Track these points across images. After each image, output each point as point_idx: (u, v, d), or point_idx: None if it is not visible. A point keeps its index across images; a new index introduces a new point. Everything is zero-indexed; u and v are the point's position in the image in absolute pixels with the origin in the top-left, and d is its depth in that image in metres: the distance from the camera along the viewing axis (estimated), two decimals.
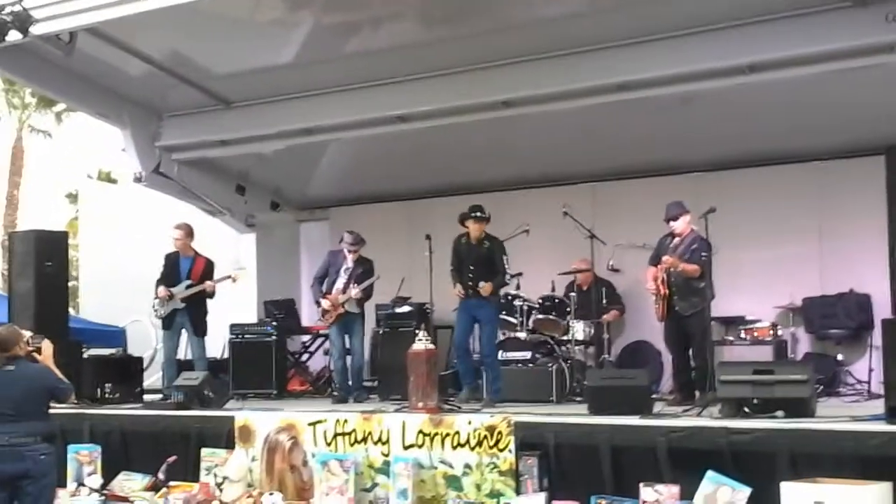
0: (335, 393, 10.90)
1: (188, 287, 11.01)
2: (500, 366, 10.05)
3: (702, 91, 9.98)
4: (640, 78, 9.98)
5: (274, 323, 12.09)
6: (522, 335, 10.72)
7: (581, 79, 10.19)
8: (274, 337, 11.80)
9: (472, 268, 9.81)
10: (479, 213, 9.90)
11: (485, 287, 9.67)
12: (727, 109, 10.52)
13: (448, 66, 10.72)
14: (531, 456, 7.41)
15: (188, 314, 11.05)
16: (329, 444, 8.29)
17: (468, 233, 9.94)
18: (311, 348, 13.02)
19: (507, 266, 9.90)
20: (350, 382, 10.79)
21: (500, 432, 7.56)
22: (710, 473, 6.66)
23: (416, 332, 9.02)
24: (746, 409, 7.39)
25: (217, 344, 12.68)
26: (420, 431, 7.92)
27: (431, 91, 10.93)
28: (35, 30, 9.56)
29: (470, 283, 9.78)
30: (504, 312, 10.80)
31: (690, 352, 9.30)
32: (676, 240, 9.45)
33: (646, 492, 6.82)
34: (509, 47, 10.31)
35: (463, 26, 10.14)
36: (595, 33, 9.94)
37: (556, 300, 10.91)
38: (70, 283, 15.49)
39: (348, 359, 10.85)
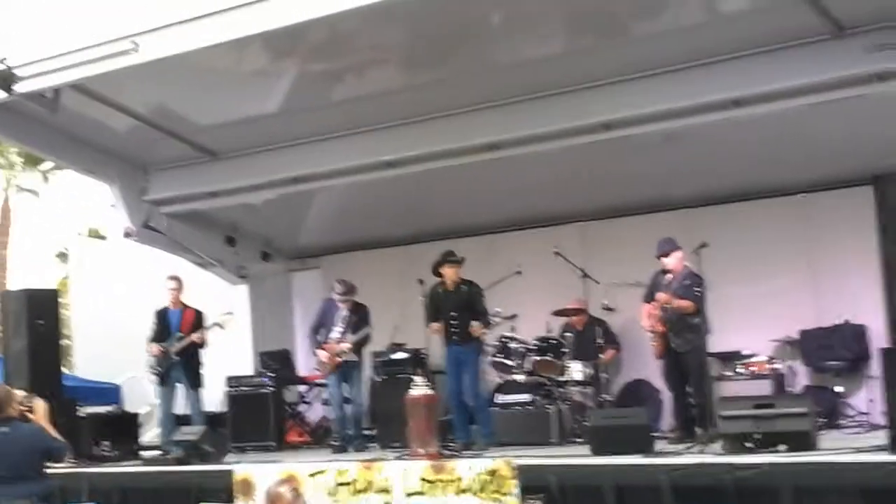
0: (334, 442, 10.84)
1: (179, 340, 10.97)
2: (494, 408, 10.04)
3: (687, 127, 9.98)
4: (625, 116, 9.98)
5: (270, 374, 12.04)
6: (520, 377, 10.67)
7: (566, 119, 10.18)
8: (271, 388, 11.74)
9: (453, 314, 9.83)
10: (453, 258, 9.95)
11: (475, 327, 9.66)
12: (714, 145, 10.57)
13: (433, 110, 10.73)
14: (535, 499, 7.36)
15: (183, 368, 11.02)
16: (331, 495, 8.21)
17: (443, 281, 9.97)
18: (309, 398, 12.97)
19: (486, 307, 9.91)
20: (350, 431, 10.74)
21: (502, 476, 7.49)
22: None
23: (413, 378, 8.99)
24: (748, 444, 7.38)
25: (214, 397, 12.62)
26: (422, 478, 7.84)
27: (418, 136, 10.93)
28: (18, 88, 9.58)
29: (454, 330, 9.79)
30: (500, 355, 10.79)
31: (689, 388, 9.29)
32: (669, 276, 9.46)
33: None
34: (493, 90, 10.35)
35: (446, 70, 10.20)
36: (578, 73, 9.96)
37: (553, 341, 10.90)
38: (63, 342, 15.45)
39: (347, 408, 10.80)
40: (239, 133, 11.75)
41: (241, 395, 11.83)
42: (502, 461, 7.64)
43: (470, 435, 9.80)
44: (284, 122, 11.35)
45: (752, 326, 10.92)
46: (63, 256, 19.64)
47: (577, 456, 8.17)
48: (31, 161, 32.20)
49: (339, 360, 10.63)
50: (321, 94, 10.89)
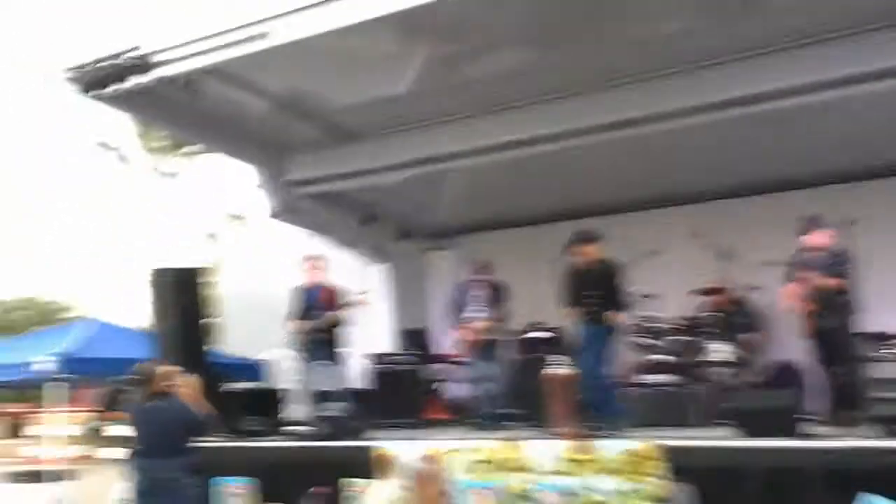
0: (474, 420, 10.86)
1: (318, 317, 11.13)
2: (637, 390, 9.92)
3: (837, 99, 9.63)
4: (770, 89, 9.71)
5: (409, 352, 12.13)
6: (659, 358, 10.52)
7: (707, 94, 9.98)
8: (410, 366, 11.83)
9: (591, 293, 9.64)
10: (590, 235, 9.79)
11: (610, 315, 9.51)
12: (865, 118, 10.20)
13: (569, 87, 10.64)
14: (680, 481, 7.26)
15: (323, 344, 11.16)
16: (471, 473, 8.26)
17: (579, 260, 9.82)
18: (448, 376, 13.02)
19: (623, 286, 9.75)
20: (489, 409, 10.74)
21: (646, 457, 7.44)
22: (863, 496, 6.43)
23: (553, 356, 8.92)
24: None
25: (354, 374, 12.80)
26: (562, 458, 7.84)
27: (554, 114, 10.85)
28: (157, 74, 9.87)
29: (593, 310, 9.65)
30: (640, 335, 10.66)
31: (838, 369, 9.01)
32: (815, 254, 9.18)
33: None
34: (631, 65, 10.21)
35: (581, 47, 10.05)
36: (719, 46, 9.76)
37: (694, 321, 10.70)
38: (211, 320, 15.86)
39: (486, 386, 10.81)
40: (374, 114, 11.82)
41: (384, 371, 11.94)
42: (647, 442, 7.56)
43: (607, 415, 9.66)
44: (420, 102, 11.36)
45: None
46: (212, 237, 20.17)
47: (724, 438, 7.97)
48: (178, 145, 33.26)
49: (477, 338, 10.63)
50: (456, 74, 10.83)
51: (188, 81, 10.47)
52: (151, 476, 7.06)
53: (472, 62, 10.59)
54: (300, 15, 9.07)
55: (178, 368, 7.82)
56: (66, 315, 39.05)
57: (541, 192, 12.90)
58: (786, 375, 10.93)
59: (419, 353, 12.26)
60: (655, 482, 7.33)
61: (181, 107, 11.21)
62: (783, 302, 9.25)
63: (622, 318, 9.61)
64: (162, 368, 7.51)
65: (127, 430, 7.90)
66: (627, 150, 11.29)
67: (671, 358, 10.57)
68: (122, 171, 34.87)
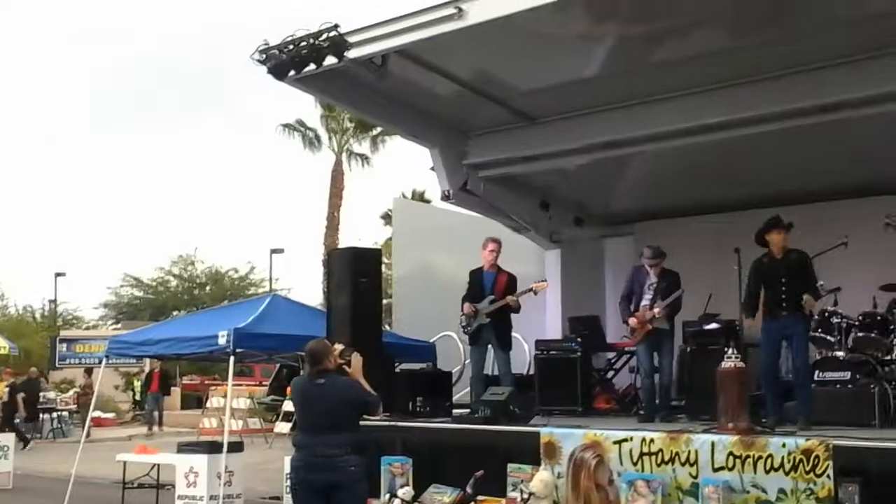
0: (641, 411, 10.69)
1: (492, 302, 11.16)
2: (814, 386, 9.53)
3: None
4: None
5: (579, 339, 12.02)
6: (841, 354, 10.09)
7: None
8: (579, 353, 11.71)
9: (783, 282, 9.32)
10: (781, 224, 9.46)
11: (808, 300, 9.16)
12: None
13: (759, 71, 10.36)
14: (852, 483, 6.95)
15: (493, 329, 11.20)
16: (635, 464, 8.14)
17: (769, 250, 9.49)
18: (617, 365, 12.87)
19: (816, 276, 9.40)
20: (657, 401, 10.56)
21: (817, 456, 7.15)
22: None
23: (726, 350, 8.67)
24: None
25: (523, 360, 12.79)
26: (730, 453, 7.63)
27: (740, 98, 10.58)
28: (349, 54, 10.02)
29: (783, 299, 9.30)
30: (821, 330, 10.25)
31: None
32: None
33: None
34: (827, 48, 9.82)
35: (776, 29, 9.71)
36: None
37: (879, 317, 10.22)
38: (385, 301, 16.11)
39: (655, 377, 10.62)
40: (557, 97, 11.77)
41: (550, 358, 11.87)
42: (817, 441, 7.29)
43: (782, 412, 9.33)
44: (602, 85, 11.25)
45: None
46: (388, 218, 20.51)
47: None
48: (363, 127, 33.97)
49: (649, 327, 10.44)
50: (640, 57, 10.69)
51: (381, 62, 10.61)
52: (312, 452, 7.18)
53: (661, 45, 10.43)
54: None
55: (344, 347, 7.90)
56: (256, 291, 40.55)
57: (721, 180, 12.60)
58: None
59: (586, 340, 12.10)
60: (825, 482, 7.03)
61: (368, 88, 11.40)
62: None
63: (813, 304, 9.20)
64: (329, 346, 7.60)
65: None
66: (816, 138, 10.89)
67: (855, 355, 10.09)
68: (308, 152, 35.78)
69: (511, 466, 8.83)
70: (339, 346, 7.79)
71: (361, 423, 7.76)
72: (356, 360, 7.65)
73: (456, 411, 11.17)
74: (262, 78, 10.25)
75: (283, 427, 20.14)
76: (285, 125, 35.80)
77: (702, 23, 9.93)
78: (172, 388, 30.19)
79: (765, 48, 9.99)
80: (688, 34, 10.13)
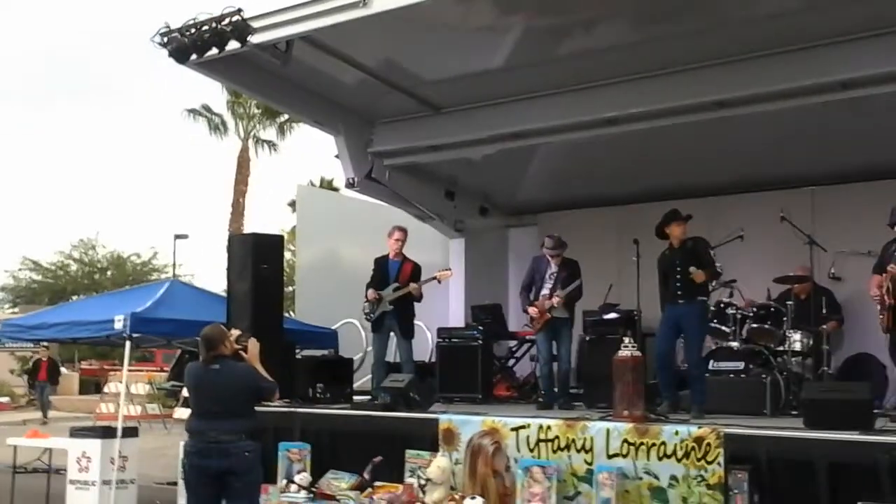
0: (540, 399, 10.79)
1: (396, 290, 11.17)
2: (708, 376, 9.73)
3: None
4: (865, 75, 9.45)
5: (481, 327, 12.09)
6: (735, 345, 10.31)
7: (799, 77, 9.73)
8: (480, 341, 11.77)
9: (678, 270, 9.49)
10: (679, 216, 9.66)
11: (695, 272, 9.31)
12: None
13: (660, 66, 10.47)
14: (742, 470, 7.10)
15: (396, 317, 11.20)
16: (532, 451, 8.21)
17: (669, 243, 9.67)
18: (518, 354, 12.98)
19: (713, 260, 9.56)
20: (556, 389, 10.67)
21: (708, 444, 7.29)
22: None
23: (623, 339, 8.80)
24: None
25: (426, 347, 12.82)
26: (625, 440, 7.74)
27: (643, 92, 10.69)
28: (253, 39, 9.90)
29: (678, 286, 9.48)
30: (716, 321, 10.46)
31: None
32: None
33: None
34: (725, 46, 9.98)
35: (677, 25, 9.86)
36: (815, 29, 9.48)
37: (772, 309, 10.46)
38: (289, 288, 16.00)
39: (554, 365, 10.73)
40: (463, 87, 11.76)
41: (451, 346, 11.91)
42: (709, 429, 7.43)
43: (678, 400, 9.50)
44: (508, 76, 11.28)
45: None
46: (294, 206, 20.40)
47: (790, 428, 7.76)
48: (269, 114, 33.67)
49: (548, 316, 10.55)
50: (546, 49, 10.74)
51: (285, 48, 10.50)
52: (205, 438, 7.11)
53: (567, 37, 10.49)
54: None
55: (241, 332, 7.84)
56: (159, 276, 39.96)
57: (625, 173, 12.73)
58: (863, 368, 10.63)
59: (488, 328, 12.19)
60: (716, 469, 7.18)
61: (273, 73, 11.28)
62: (871, 292, 8.95)
63: (702, 277, 9.33)
64: (225, 331, 7.52)
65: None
66: (716, 133, 11.07)
67: (748, 346, 10.32)
68: (215, 138, 35.37)
69: (409, 453, 8.85)
70: (235, 332, 7.73)
71: (258, 409, 7.72)
72: (253, 345, 7.60)
73: (356, 398, 11.19)
74: (168, 62, 10.08)
75: (183, 413, 19.87)
76: (191, 110, 35.36)
77: (606, 16, 10.02)
78: (70, 373, 29.61)
79: (666, 43, 10.11)
80: (592, 27, 10.21)
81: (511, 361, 13.06)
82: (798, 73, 9.72)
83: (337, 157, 12.94)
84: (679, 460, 7.40)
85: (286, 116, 32.71)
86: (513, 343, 13.03)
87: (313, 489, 9.10)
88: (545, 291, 10.62)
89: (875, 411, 8.09)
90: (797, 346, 10.33)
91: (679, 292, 9.49)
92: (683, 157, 12.05)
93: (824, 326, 10.47)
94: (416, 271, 11.39)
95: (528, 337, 12.19)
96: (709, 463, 7.26)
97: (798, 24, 9.46)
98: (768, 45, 9.79)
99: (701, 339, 9.74)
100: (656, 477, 7.49)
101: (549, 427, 8.19)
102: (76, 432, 10.97)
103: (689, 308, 9.43)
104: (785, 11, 9.37)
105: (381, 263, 11.52)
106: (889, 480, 6.56)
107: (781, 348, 10.28)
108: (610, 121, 11.14)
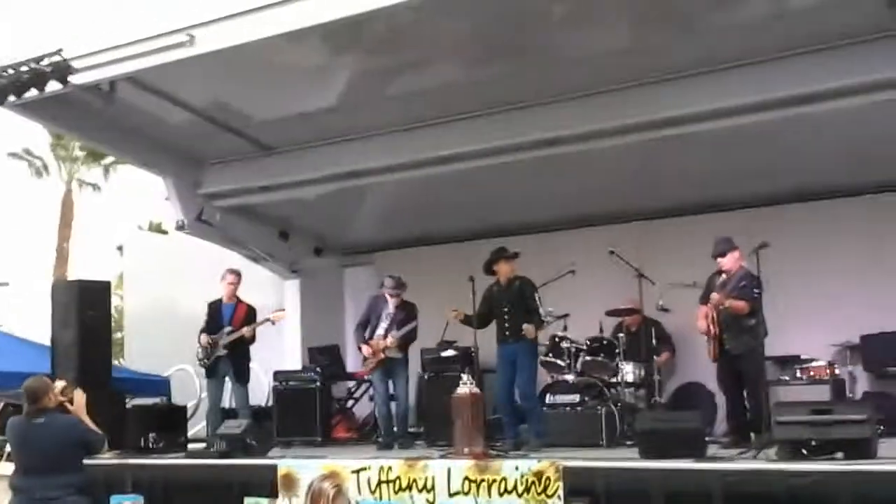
0: (380, 440, 10.71)
1: (229, 333, 10.94)
2: (544, 408, 9.88)
3: (750, 125, 9.70)
4: (687, 113, 9.75)
5: (318, 369, 11.94)
6: (570, 378, 10.48)
7: (626, 115, 10.00)
8: (318, 383, 11.64)
9: (505, 310, 9.62)
10: (506, 254, 9.83)
11: (527, 329, 9.46)
12: (777, 143, 10.28)
13: (492, 105, 10.60)
14: (580, 502, 7.17)
15: (231, 362, 10.98)
16: (373, 492, 8.12)
17: (497, 279, 9.80)
18: (357, 394, 12.87)
19: (539, 304, 9.66)
20: (395, 429, 10.61)
21: (548, 478, 7.34)
22: None
23: (461, 376, 8.82)
24: (804, 451, 7.12)
25: (263, 391, 12.58)
26: (466, 478, 7.73)
27: (474, 131, 10.80)
28: (74, 80, 9.59)
29: (506, 327, 9.61)
30: (551, 355, 10.63)
31: (745, 392, 9.02)
32: (724, 276, 9.20)
33: None
34: (552, 85, 10.19)
35: (506, 65, 10.01)
36: (639, 69, 9.77)
37: (605, 342, 10.69)
38: (117, 335, 15.48)
39: (392, 405, 10.68)
40: (294, 127, 11.68)
41: (288, 389, 11.74)
42: (548, 462, 7.48)
43: (519, 435, 9.59)
44: (340, 116, 11.25)
45: (812, 330, 10.69)
46: (121, 250, 19.83)
47: (626, 459, 7.91)
48: (93, 156, 32.71)
49: (382, 356, 10.51)
50: (378, 89, 10.75)
51: (108, 88, 10.21)
52: (31, 496, 6.79)
53: (398, 76, 10.51)
54: (226, 23, 8.86)
55: (66, 383, 7.53)
56: None
57: (459, 210, 12.82)
58: (694, 397, 10.95)
59: (326, 370, 12.06)
60: (556, 502, 7.24)
61: (96, 115, 10.98)
62: (699, 323, 9.23)
63: (533, 333, 9.50)
64: (49, 383, 7.21)
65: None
66: (547, 170, 11.25)
67: (583, 378, 10.50)
68: (36, 181, 34.17)
69: (248, 500, 8.63)
70: (60, 383, 7.41)
71: (87, 462, 7.41)
72: (79, 396, 7.30)
73: (191, 446, 10.86)
74: None
75: (6, 468, 18.94)
76: (11, 153, 34.04)
77: (436, 57, 10.10)
78: None
79: (497, 82, 10.24)
80: (423, 67, 10.27)
81: (350, 402, 12.94)
82: (623, 111, 9.98)
83: (167, 199, 12.64)
84: (520, 495, 7.43)
85: (112, 158, 31.83)
86: (351, 384, 12.92)
87: None
88: (380, 331, 10.59)
89: (706, 439, 8.33)
90: (630, 378, 10.56)
91: (507, 332, 9.64)
92: (516, 194, 12.20)
93: (655, 357, 10.75)
94: (250, 314, 11.19)
95: (366, 377, 12.09)
96: (549, 496, 7.31)
97: (627, 63, 9.73)
98: (597, 83, 10.02)
99: (532, 374, 9.83)
100: None
101: (389, 468, 8.12)
102: None
103: (519, 346, 9.56)
104: (614, 51, 9.63)
105: (215, 307, 11.29)
106: None
107: (615, 380, 10.49)
108: (442, 159, 11.21)
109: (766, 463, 7.23)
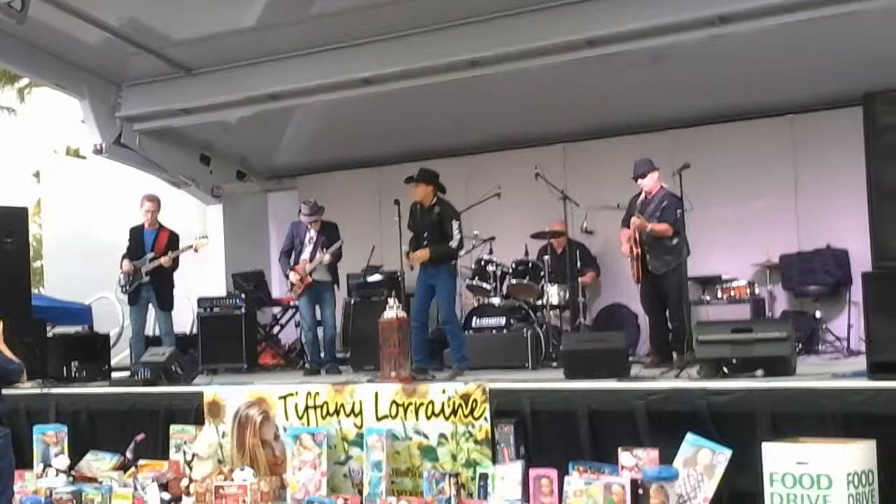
0: (307, 365, 10.69)
1: (151, 260, 10.77)
2: (465, 332, 9.90)
3: (673, 45, 9.73)
4: (610, 33, 9.76)
5: (243, 295, 11.82)
6: (496, 301, 10.51)
7: (550, 35, 9.95)
8: (243, 310, 11.53)
9: (425, 234, 9.45)
10: (427, 176, 9.43)
11: (416, 255, 9.29)
12: (699, 63, 10.31)
13: (414, 26, 10.45)
14: (507, 423, 7.23)
15: (154, 288, 10.82)
16: (301, 418, 8.10)
17: (420, 201, 9.66)
18: (283, 320, 12.80)
19: (456, 232, 9.27)
20: (322, 354, 10.58)
21: (475, 400, 7.39)
22: (689, 436, 6.53)
23: (388, 300, 8.78)
24: (725, 370, 7.27)
25: (188, 319, 12.46)
26: (393, 402, 7.74)
27: (397, 52, 10.66)
28: None
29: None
30: (477, 278, 10.64)
31: (667, 313, 9.13)
32: (646, 198, 9.25)
33: (624, 457, 6.67)
34: (476, 5, 10.08)
35: None
36: None
37: (530, 264, 10.69)
38: (36, 263, 15.18)
39: (319, 330, 10.64)
40: (214, 48, 11.42)
41: (213, 315, 11.62)
42: (475, 385, 7.52)
43: (428, 357, 9.50)
44: (261, 37, 11.02)
45: (733, 250, 10.88)
46: (39, 176, 19.33)
47: (551, 380, 7.99)
48: (7, 77, 31.74)
49: (309, 280, 10.44)
50: (300, 8, 10.54)
51: (20, 6, 9.83)
52: None
53: None
54: None
55: None
56: None
57: (383, 134, 12.68)
58: (617, 318, 11.09)
59: (251, 296, 11.96)
60: (483, 424, 7.29)
61: (9, 35, 10.68)
62: (622, 245, 9.29)
63: (420, 259, 9.30)
64: None
65: None
66: (471, 91, 11.16)
67: (509, 301, 10.54)
68: None
69: (174, 428, 8.56)
70: None
71: (7, 392, 7.29)
72: None
73: (115, 374, 10.74)
74: None
75: None
76: None
77: None
78: None
79: (419, 2, 10.09)
80: None
81: (276, 328, 12.87)
82: (546, 31, 9.92)
83: (83, 122, 12.33)
84: (447, 418, 7.46)
85: (26, 80, 30.94)
86: (277, 310, 12.84)
87: (73, 472, 8.66)
88: (305, 256, 10.50)
89: (630, 359, 8.44)
90: (555, 300, 10.62)
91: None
92: (440, 117, 12.12)
93: (580, 279, 10.82)
94: (173, 240, 11.01)
95: (292, 303, 12.02)
96: (476, 419, 7.36)
97: None
98: (519, 3, 9.93)
99: (451, 296, 9.70)
100: (426, 436, 7.53)
101: (317, 393, 8.10)
102: None
103: (437, 270, 9.34)
104: None
105: (137, 233, 11.08)
106: (646, 425, 6.81)
107: (540, 302, 10.55)
108: (365, 81, 11.08)
109: (688, 382, 7.32)
